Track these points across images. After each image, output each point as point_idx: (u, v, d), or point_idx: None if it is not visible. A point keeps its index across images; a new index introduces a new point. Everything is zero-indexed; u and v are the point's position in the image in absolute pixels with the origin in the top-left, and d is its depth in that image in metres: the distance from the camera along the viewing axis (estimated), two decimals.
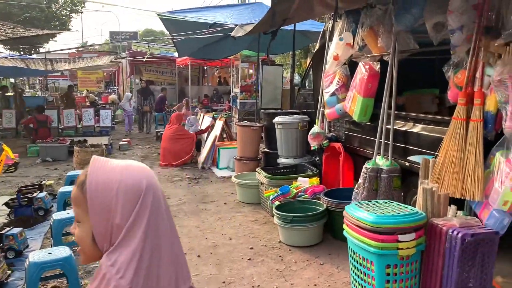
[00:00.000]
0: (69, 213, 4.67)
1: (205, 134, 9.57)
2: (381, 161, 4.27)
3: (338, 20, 5.28)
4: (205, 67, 22.31)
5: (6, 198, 6.35)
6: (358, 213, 3.06)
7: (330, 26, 5.45)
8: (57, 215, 4.59)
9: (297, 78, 7.31)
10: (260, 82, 9.80)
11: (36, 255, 3.36)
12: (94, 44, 30.14)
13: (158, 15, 7.18)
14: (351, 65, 5.17)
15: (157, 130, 13.08)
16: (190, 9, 8.38)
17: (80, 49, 34.73)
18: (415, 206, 4.29)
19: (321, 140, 5.55)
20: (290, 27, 6.74)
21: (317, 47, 6.01)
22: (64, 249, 3.46)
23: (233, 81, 14.65)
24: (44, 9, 30.07)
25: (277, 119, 6.23)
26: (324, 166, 5.67)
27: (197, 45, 9.66)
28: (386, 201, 3.37)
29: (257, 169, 5.78)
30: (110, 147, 10.75)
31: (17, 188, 6.30)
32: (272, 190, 5.09)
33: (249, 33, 6.18)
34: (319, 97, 5.72)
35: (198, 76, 22.41)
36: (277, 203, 4.76)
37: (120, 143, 11.40)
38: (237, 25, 6.24)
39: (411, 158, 4.10)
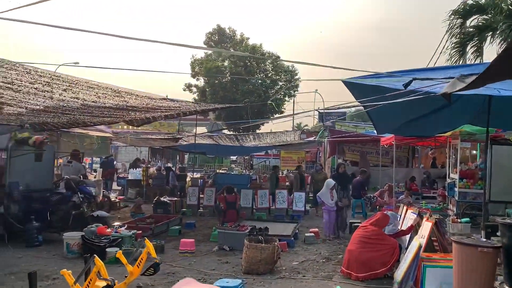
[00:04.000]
0: None
1: (407, 236, 7.07)
2: None
3: None
4: (416, 147, 19.64)
5: None
6: None
7: None
8: None
9: None
10: (488, 166, 7.78)
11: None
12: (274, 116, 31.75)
13: (342, 80, 5.56)
14: None
15: (351, 221, 10.86)
16: (391, 72, 6.13)
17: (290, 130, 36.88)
18: None
19: None
20: None
21: None
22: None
23: (450, 164, 11.91)
24: (261, 95, 33.54)
25: None
26: None
27: (399, 119, 7.56)
28: None
29: None
30: (293, 239, 9.36)
31: None
32: None
33: (474, 85, 3.55)
34: None
35: (407, 157, 19.84)
36: None
37: (306, 234, 9.86)
38: (452, 78, 3.84)
39: None
